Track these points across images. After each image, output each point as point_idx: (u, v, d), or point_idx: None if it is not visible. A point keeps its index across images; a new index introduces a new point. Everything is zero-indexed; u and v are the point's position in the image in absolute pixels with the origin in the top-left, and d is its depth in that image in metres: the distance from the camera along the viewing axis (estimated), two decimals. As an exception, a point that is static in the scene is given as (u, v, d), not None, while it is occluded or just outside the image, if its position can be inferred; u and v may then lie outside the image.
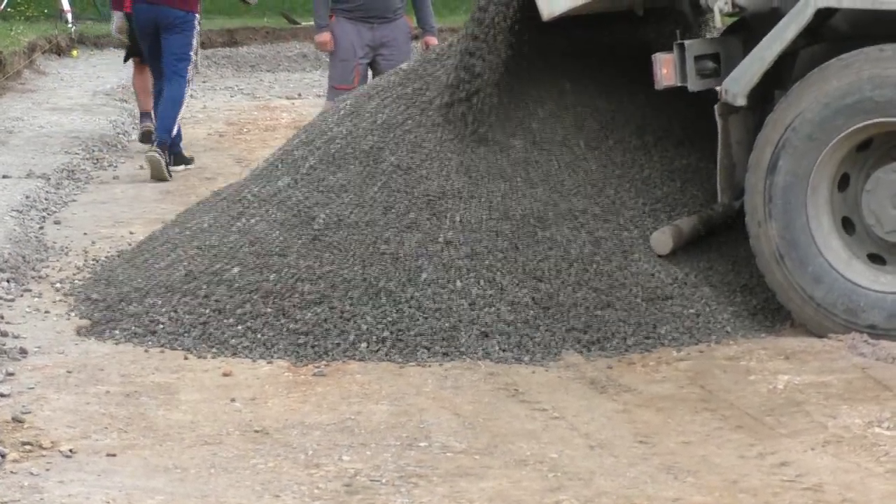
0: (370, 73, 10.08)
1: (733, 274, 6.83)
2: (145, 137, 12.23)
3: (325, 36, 9.96)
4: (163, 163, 10.66)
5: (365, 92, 7.53)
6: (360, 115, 7.22)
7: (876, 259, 6.45)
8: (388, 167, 6.88)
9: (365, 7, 9.91)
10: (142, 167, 11.35)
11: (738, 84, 6.51)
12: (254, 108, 14.97)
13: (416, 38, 10.77)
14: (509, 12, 6.79)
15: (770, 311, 6.63)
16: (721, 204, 6.87)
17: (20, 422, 5.34)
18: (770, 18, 6.66)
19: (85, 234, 8.73)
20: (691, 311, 6.53)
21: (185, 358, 6.21)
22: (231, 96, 16.01)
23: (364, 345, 6.21)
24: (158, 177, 10.65)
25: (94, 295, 6.96)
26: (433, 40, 10.17)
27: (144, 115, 12.56)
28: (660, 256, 6.72)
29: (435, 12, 10.79)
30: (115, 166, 11.41)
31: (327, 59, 10.34)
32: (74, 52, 18.35)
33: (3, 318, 6.77)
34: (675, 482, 4.84)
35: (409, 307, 6.32)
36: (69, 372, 6.01)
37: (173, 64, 11.01)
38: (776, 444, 5.16)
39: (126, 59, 12.83)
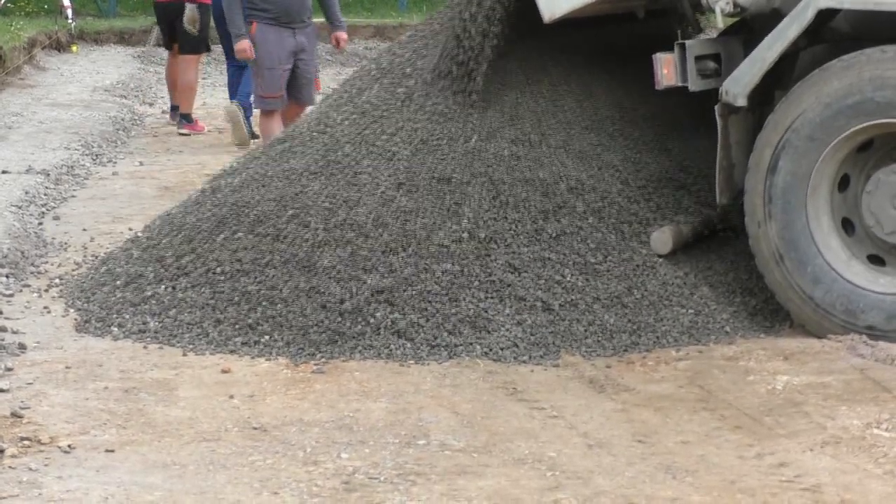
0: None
1: (733, 274, 6.83)
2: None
3: (245, 44, 10.03)
4: (240, 115, 11.75)
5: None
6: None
7: (875, 260, 6.45)
8: (386, 177, 6.89)
9: (287, 12, 9.95)
10: (141, 163, 11.36)
11: (738, 84, 6.51)
12: (253, 105, 14.94)
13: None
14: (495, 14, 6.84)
15: (769, 311, 6.63)
16: (720, 204, 6.87)
17: (19, 417, 5.34)
18: (771, 19, 6.66)
19: (84, 230, 8.73)
20: (690, 311, 6.53)
21: (184, 354, 6.21)
22: (231, 93, 15.98)
23: (363, 342, 6.20)
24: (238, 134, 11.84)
25: (93, 291, 6.95)
26: (343, 35, 10.41)
27: (174, 107, 13.26)
28: (659, 256, 6.72)
29: (434, 11, 10.81)
30: (115, 162, 11.41)
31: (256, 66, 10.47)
32: (74, 48, 18.36)
33: (2, 313, 6.77)
34: (673, 482, 4.83)
35: (408, 305, 6.31)
36: (68, 367, 6.01)
37: None
38: (775, 445, 5.16)
39: (168, 47, 13.37)
